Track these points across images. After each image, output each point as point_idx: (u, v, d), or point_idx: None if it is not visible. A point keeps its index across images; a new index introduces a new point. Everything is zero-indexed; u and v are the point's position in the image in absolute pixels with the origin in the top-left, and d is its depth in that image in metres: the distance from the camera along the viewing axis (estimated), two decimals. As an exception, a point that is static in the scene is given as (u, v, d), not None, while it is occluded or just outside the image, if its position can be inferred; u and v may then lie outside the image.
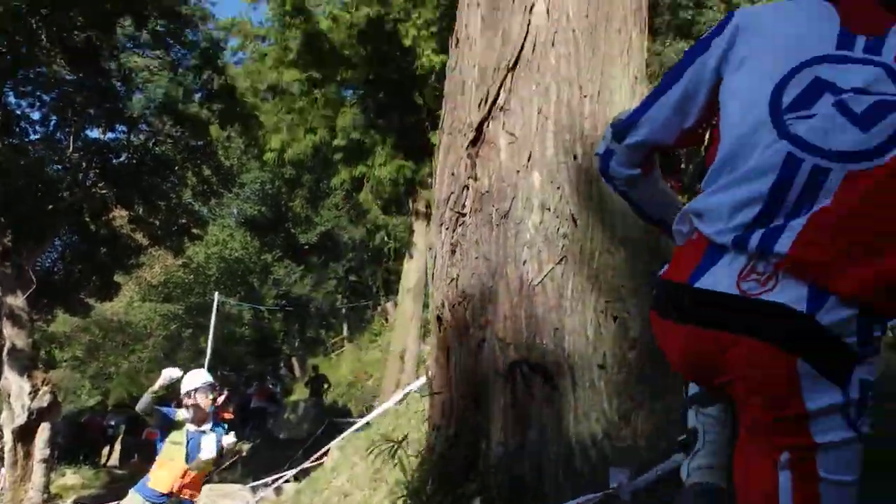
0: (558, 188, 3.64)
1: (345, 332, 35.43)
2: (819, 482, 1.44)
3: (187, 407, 6.29)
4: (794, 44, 1.61)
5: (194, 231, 21.44)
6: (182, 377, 6.32)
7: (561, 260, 3.56)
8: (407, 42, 16.93)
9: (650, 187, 2.01)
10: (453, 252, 3.94)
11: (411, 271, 19.17)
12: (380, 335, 28.88)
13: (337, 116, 18.58)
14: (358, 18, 16.73)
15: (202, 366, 19.17)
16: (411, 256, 19.49)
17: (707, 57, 1.72)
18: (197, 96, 19.71)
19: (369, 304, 35.89)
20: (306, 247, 37.04)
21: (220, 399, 6.77)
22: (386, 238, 30.35)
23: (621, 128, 1.91)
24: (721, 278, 1.50)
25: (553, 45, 3.85)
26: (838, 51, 1.57)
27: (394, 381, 17.74)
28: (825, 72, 1.54)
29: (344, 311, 37.04)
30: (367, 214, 22.81)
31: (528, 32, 3.85)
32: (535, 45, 3.85)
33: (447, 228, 4.02)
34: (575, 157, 3.69)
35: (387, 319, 29.62)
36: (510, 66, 3.83)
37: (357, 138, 18.42)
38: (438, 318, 4.02)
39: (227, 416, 12.12)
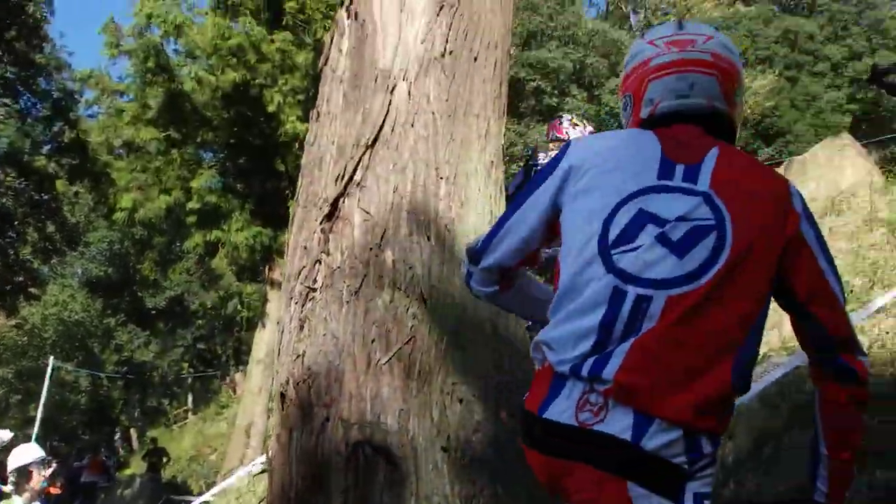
0: (410, 268, 3.65)
1: (189, 403, 34.04)
2: None
3: (15, 483, 5.81)
4: (619, 178, 1.76)
5: (31, 290, 20.26)
6: (11, 440, 5.87)
7: (409, 340, 3.55)
8: (272, 108, 16.95)
9: (513, 298, 2.12)
10: (301, 328, 3.86)
11: (263, 342, 18.76)
12: (226, 407, 27.95)
13: (194, 178, 18.21)
14: (223, 82, 16.58)
15: (30, 436, 17.93)
16: (264, 326, 19.10)
17: (543, 191, 1.89)
18: (45, 148, 18.87)
19: (217, 375, 34.75)
20: (153, 312, 35.62)
21: (48, 472, 6.31)
22: (239, 306, 29.64)
23: (474, 252, 2.06)
24: (563, 409, 1.61)
25: (412, 125, 3.91)
26: (660, 181, 1.73)
27: (238, 457, 17.18)
28: (648, 203, 1.70)
29: (190, 380, 35.64)
30: (220, 280, 22.31)
31: (388, 112, 3.90)
32: (394, 125, 3.90)
33: (296, 303, 3.95)
34: (428, 238, 3.72)
35: (235, 391, 28.75)
36: (369, 143, 3.86)
37: (213, 202, 18.09)
38: (282, 396, 3.91)
39: (55, 490, 11.29)
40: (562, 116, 7.91)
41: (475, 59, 4.22)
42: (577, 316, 1.66)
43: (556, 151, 2.02)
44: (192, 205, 17.89)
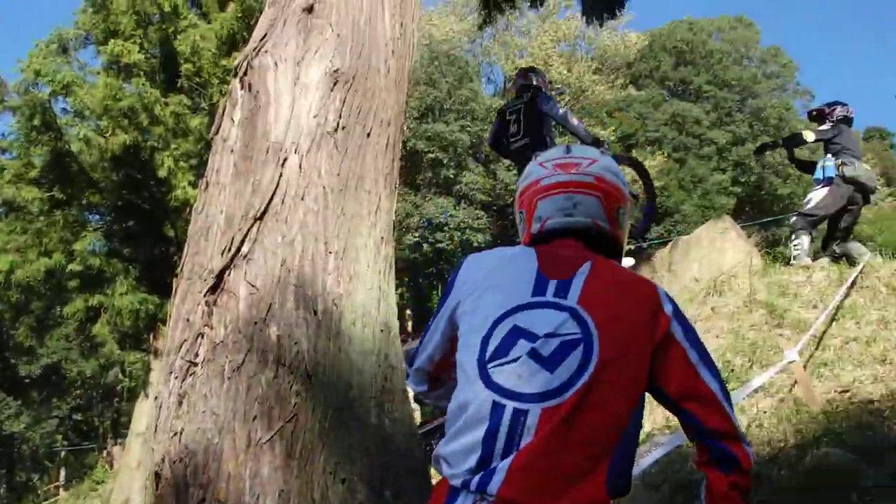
0: (295, 343, 3.58)
1: (61, 479, 32.17)
2: None
3: None
4: (499, 297, 1.90)
5: None
6: None
7: (292, 418, 3.46)
8: (163, 172, 16.56)
9: (443, 397, 2.13)
10: (180, 404, 3.71)
11: (144, 413, 17.93)
12: (102, 483, 26.50)
13: (77, 240, 17.52)
14: (113, 143, 16.16)
15: None
16: (146, 397, 18.30)
17: (446, 306, 2.06)
18: (-83, 206, 17.91)
19: (94, 448, 33.02)
20: (27, 380, 33.73)
21: None
22: (120, 375, 28.42)
23: (409, 356, 2.30)
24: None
25: (303, 199, 3.89)
26: (533, 297, 1.86)
27: (112, 536, 16.25)
28: (522, 319, 1.82)
29: (63, 454, 33.75)
30: (100, 348, 21.38)
31: (278, 184, 3.87)
32: (284, 198, 3.87)
33: (176, 378, 3.80)
34: (315, 313, 3.67)
35: (112, 466, 27.35)
36: (258, 215, 3.81)
37: (97, 265, 17.41)
38: (157, 475, 3.73)
39: None
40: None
41: (368, 134, 4.26)
42: (465, 431, 1.74)
43: None
44: (75, 268, 17.16)
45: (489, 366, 1.78)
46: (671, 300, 1.93)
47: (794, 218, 8.96)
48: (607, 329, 1.77)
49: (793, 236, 8.78)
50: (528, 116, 7.86)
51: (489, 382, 1.75)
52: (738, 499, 1.79)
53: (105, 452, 30.47)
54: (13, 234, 17.39)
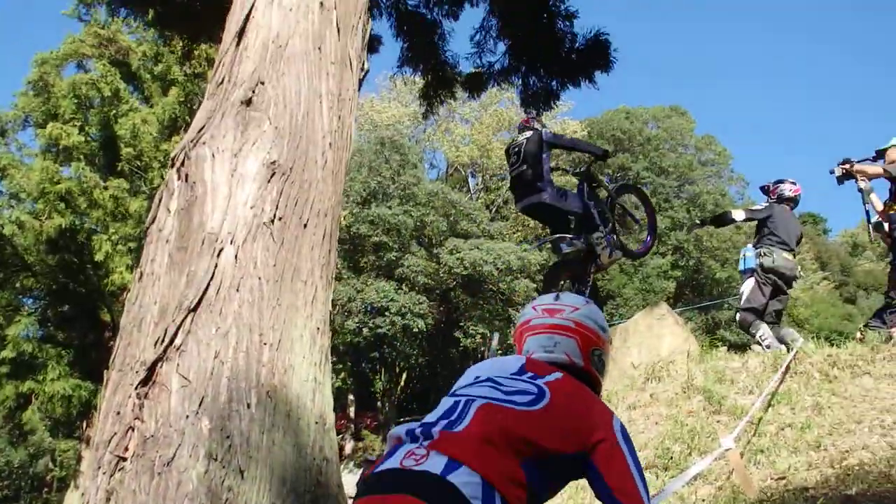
0: (227, 437, 3.52)
1: (-16, 576, 30.45)
2: None
3: None
4: (487, 369, 2.52)
5: None
6: None
7: (224, 514, 3.38)
8: (100, 256, 16.33)
9: None
10: (108, 500, 3.60)
11: (74, 504, 17.26)
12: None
13: (10, 325, 17.06)
14: (49, 227, 15.92)
15: None
16: (76, 487, 17.62)
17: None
18: None
19: (20, 543, 31.41)
20: (-51, 469, 32.22)
21: None
22: (51, 464, 27.34)
23: None
24: (391, 462, 2.10)
25: (238, 290, 3.88)
26: (511, 376, 2.44)
27: None
28: (499, 379, 2.42)
29: (-14, 548, 32.02)
30: (30, 436, 20.60)
31: (213, 276, 3.86)
32: (219, 289, 3.85)
33: (104, 472, 3.69)
34: (248, 406, 3.63)
35: (41, 561, 26.08)
36: (192, 306, 3.78)
37: (30, 351, 16.92)
38: (81, 577, 3.60)
39: None
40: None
41: (305, 225, 4.29)
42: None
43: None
44: (6, 354, 16.68)
45: (458, 391, 2.41)
46: (621, 424, 2.34)
47: (740, 315, 8.84)
48: (557, 404, 2.27)
49: (751, 331, 8.69)
50: (529, 147, 8.11)
51: (453, 394, 2.39)
52: None
53: (32, 546, 29.02)
54: (-59, 319, 16.88)
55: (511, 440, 2.11)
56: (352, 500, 2.40)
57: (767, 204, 8.98)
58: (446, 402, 2.35)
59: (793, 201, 9.09)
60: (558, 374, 2.40)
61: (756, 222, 9.11)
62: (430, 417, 2.31)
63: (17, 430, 20.76)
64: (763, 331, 8.47)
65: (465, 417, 2.20)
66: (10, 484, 32.43)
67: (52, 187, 15.73)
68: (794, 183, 9.10)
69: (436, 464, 2.03)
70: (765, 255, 8.63)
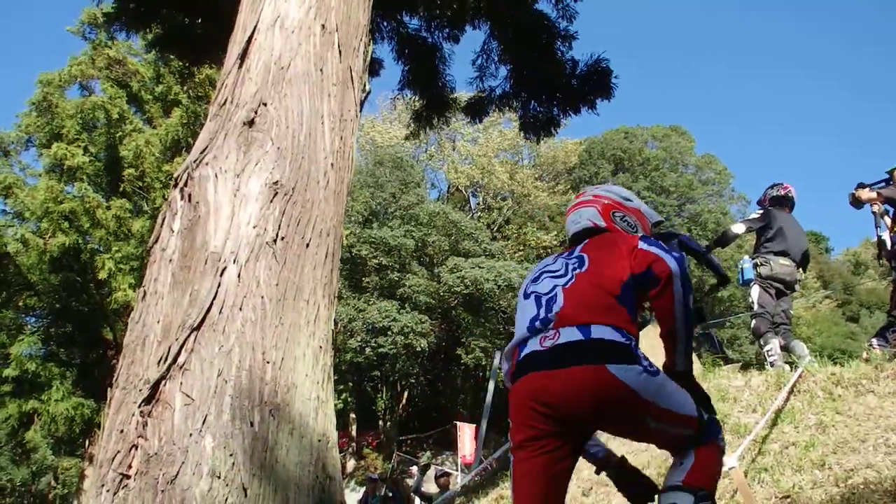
0: (231, 455, 3.53)
1: (-13, 593, 30.28)
2: None
3: None
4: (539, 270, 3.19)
5: None
6: None
7: (227, 532, 3.39)
8: (103, 275, 16.37)
9: None
10: (111, 518, 3.61)
11: (74, 524, 17.21)
12: None
13: (13, 344, 17.08)
14: (52, 246, 15.97)
15: None
16: (79, 504, 17.61)
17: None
18: None
19: (23, 559, 31.27)
20: (-47, 488, 32.14)
21: None
22: (53, 482, 27.27)
23: None
24: (530, 347, 2.82)
25: (241, 309, 3.90)
26: (556, 260, 3.17)
27: None
28: (548, 270, 3.12)
29: (-11, 567, 31.86)
30: (33, 454, 20.56)
31: (216, 295, 3.88)
32: (222, 308, 3.87)
33: (108, 491, 3.70)
34: (251, 424, 3.64)
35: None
36: (195, 325, 3.80)
37: (33, 370, 16.93)
38: None
39: None
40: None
41: (307, 245, 4.33)
42: (519, 323, 3.01)
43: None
44: (10, 372, 16.69)
45: (529, 292, 3.07)
46: (646, 239, 2.97)
47: (754, 323, 8.66)
48: (595, 255, 2.98)
49: (761, 342, 8.56)
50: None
51: (528, 293, 3.07)
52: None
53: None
54: (-56, 338, 16.91)
55: (597, 295, 2.79)
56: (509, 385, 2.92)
57: (763, 211, 8.86)
58: (528, 303, 2.99)
59: (786, 200, 8.92)
60: (584, 242, 3.11)
61: (755, 233, 9.02)
62: (525, 318, 2.94)
63: (20, 448, 20.73)
64: (772, 346, 8.34)
65: (556, 300, 2.87)
66: (12, 502, 32.33)
67: (55, 206, 15.79)
68: (780, 183, 8.98)
69: (572, 333, 2.71)
70: (762, 264, 8.56)
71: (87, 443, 18.28)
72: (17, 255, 17.32)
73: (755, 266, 8.64)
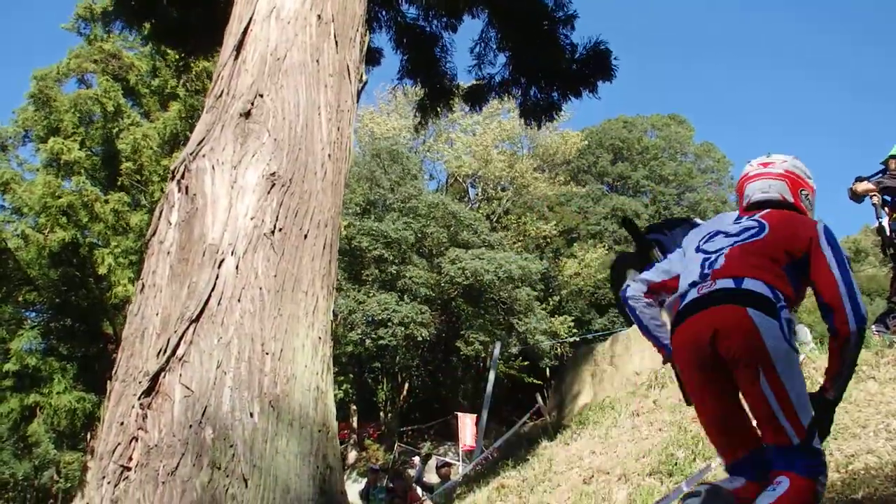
0: (231, 446, 3.54)
1: (-10, 589, 30.37)
2: None
3: None
4: (713, 227, 3.38)
5: None
6: None
7: (228, 523, 3.40)
8: (102, 269, 16.36)
9: (647, 305, 3.48)
10: (112, 510, 3.62)
11: (79, 516, 17.23)
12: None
13: (13, 338, 17.09)
14: (51, 241, 15.96)
15: None
16: (82, 498, 17.60)
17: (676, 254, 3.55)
18: None
19: (27, 553, 31.33)
20: (-45, 484, 32.19)
21: None
22: (56, 476, 27.25)
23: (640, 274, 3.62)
24: (689, 297, 3.05)
25: (239, 300, 3.90)
26: (733, 223, 3.31)
27: None
28: (723, 230, 3.30)
29: (-8, 562, 31.94)
30: (35, 448, 20.59)
31: (214, 286, 3.88)
32: (221, 300, 3.87)
33: (109, 482, 3.70)
34: (251, 415, 3.65)
35: (45, 573, 26.03)
36: (194, 317, 3.80)
37: (34, 364, 16.95)
38: (87, 585, 3.61)
39: None
40: None
41: (305, 236, 4.32)
42: (685, 277, 3.19)
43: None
44: (10, 367, 16.70)
45: (700, 248, 3.24)
46: (826, 230, 3.08)
47: None
48: (775, 226, 3.12)
49: None
50: None
51: (699, 249, 3.24)
52: (835, 348, 2.90)
53: (39, 558, 28.96)
54: (-55, 333, 16.94)
55: (762, 259, 2.99)
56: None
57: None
58: (696, 257, 3.20)
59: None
60: (766, 210, 3.27)
61: None
62: (691, 273, 3.15)
63: (22, 442, 20.76)
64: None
65: (721, 258, 3.08)
66: (15, 496, 32.33)
67: (53, 201, 15.78)
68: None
69: (726, 283, 2.95)
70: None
71: (88, 436, 18.30)
72: (17, 251, 17.33)
73: None
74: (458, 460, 21.88)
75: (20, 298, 18.29)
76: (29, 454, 24.50)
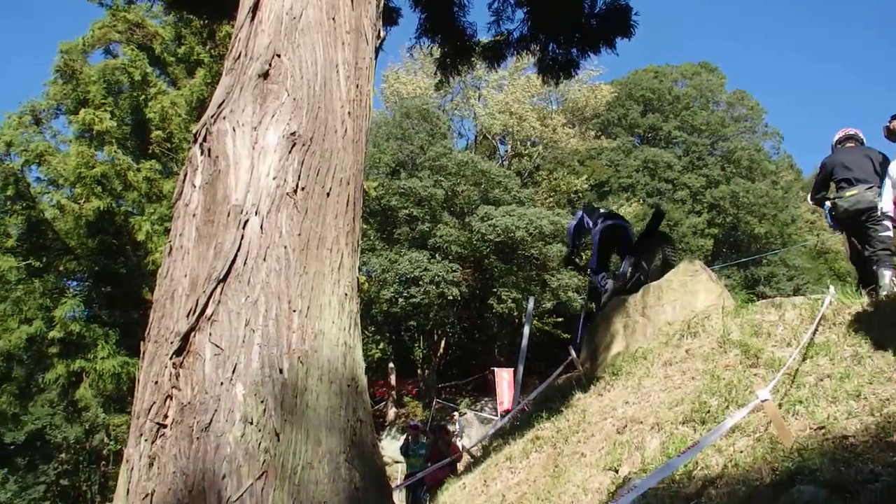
0: (262, 402, 3.62)
1: (51, 546, 31.45)
2: None
3: None
4: None
5: None
6: None
7: (262, 475, 3.48)
8: (140, 237, 16.62)
9: None
10: (150, 465, 3.73)
11: (127, 477, 17.66)
12: (92, 547, 26.04)
13: (57, 307, 17.45)
14: (87, 210, 16.20)
15: None
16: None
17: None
18: None
19: (82, 512, 32.33)
20: (12, 447, 33.13)
21: None
22: (105, 439, 27.98)
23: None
24: None
25: (265, 259, 3.96)
26: None
27: None
28: None
29: (51, 521, 33.03)
30: (85, 412, 21.12)
31: (240, 247, 3.94)
32: (246, 259, 3.93)
33: (146, 440, 3.81)
34: (281, 371, 3.72)
35: (102, 529, 26.86)
36: (221, 277, 3.87)
37: (78, 331, 17.32)
38: (130, 538, 3.73)
39: None
40: None
41: (328, 194, 4.35)
42: None
43: None
44: (55, 334, 17.08)
45: None
46: None
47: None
48: None
49: (874, 267, 8.23)
50: None
51: None
52: None
53: (93, 517, 29.90)
54: (-8, 303, 17.34)
55: None
56: None
57: (827, 159, 8.87)
58: None
59: (850, 140, 8.94)
60: None
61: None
62: None
63: (72, 407, 21.32)
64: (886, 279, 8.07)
65: None
66: (68, 458, 33.34)
67: (88, 171, 15.99)
68: (844, 129, 9.01)
69: None
70: (831, 206, 8.51)
71: (134, 399, 18.67)
72: (55, 221, 17.62)
73: (828, 211, 8.60)
74: (497, 415, 22.08)
75: (61, 268, 18.65)
76: (79, 418, 25.17)
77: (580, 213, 11.98)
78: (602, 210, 12.11)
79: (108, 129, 16.53)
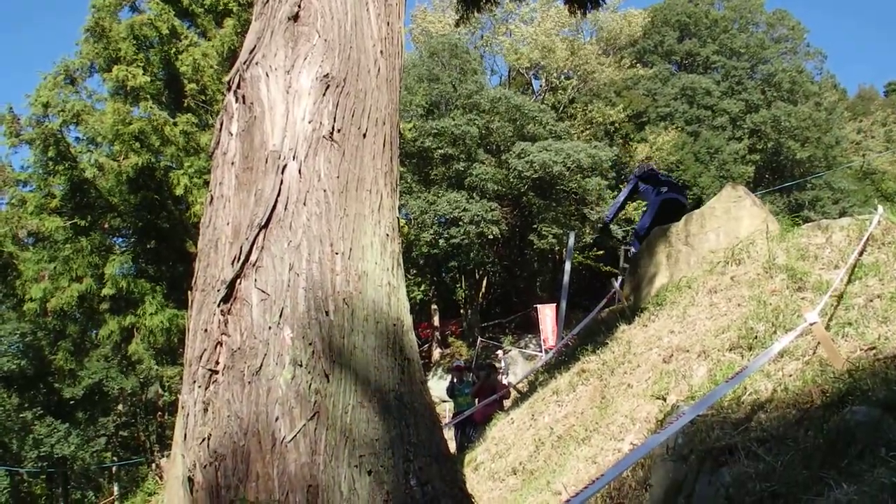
0: (310, 344, 3.66)
1: (115, 493, 32.56)
2: None
3: None
4: None
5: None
6: None
7: (314, 416, 3.55)
8: (179, 191, 16.73)
9: None
10: (205, 411, 3.82)
11: (183, 426, 18.14)
12: (154, 494, 26.89)
13: (105, 264, 17.73)
14: (126, 167, 16.33)
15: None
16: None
17: None
18: (-52, 242, 18.21)
19: (143, 461, 33.40)
20: (71, 402, 34.20)
21: None
22: (160, 390, 28.71)
23: None
24: None
25: (305, 204, 3.97)
26: None
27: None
28: None
29: (115, 469, 34.18)
30: (138, 366, 21.67)
31: (280, 192, 3.95)
32: (287, 204, 3.95)
33: (199, 386, 3.90)
34: (327, 313, 3.75)
35: (161, 477, 27.72)
36: (262, 224, 3.89)
37: (126, 287, 17.62)
38: (190, 480, 3.83)
39: None
40: None
41: (364, 135, 4.33)
42: None
43: None
44: (106, 291, 17.37)
45: None
46: None
47: None
48: None
49: None
50: None
51: None
52: None
53: (154, 465, 30.84)
54: (42, 263, 17.65)
55: None
56: None
57: None
58: None
59: None
60: None
61: None
62: None
63: (126, 360, 21.85)
64: None
65: None
66: (126, 411, 34.34)
67: (125, 128, 16.05)
68: None
69: None
70: None
71: (185, 348, 19.05)
72: (96, 179, 17.79)
73: None
74: (541, 351, 22.20)
75: (106, 225, 18.89)
76: (133, 371, 25.84)
77: (633, 179, 11.72)
78: (663, 177, 11.83)
79: (142, 85, 16.53)
